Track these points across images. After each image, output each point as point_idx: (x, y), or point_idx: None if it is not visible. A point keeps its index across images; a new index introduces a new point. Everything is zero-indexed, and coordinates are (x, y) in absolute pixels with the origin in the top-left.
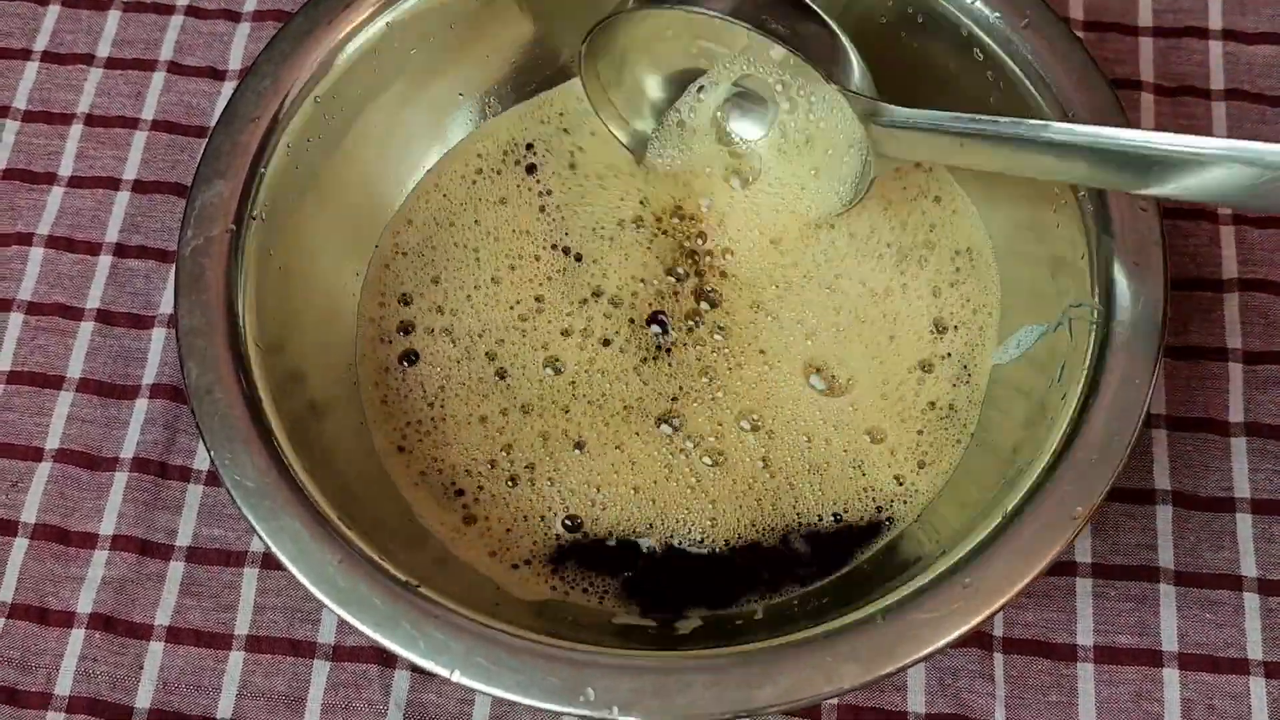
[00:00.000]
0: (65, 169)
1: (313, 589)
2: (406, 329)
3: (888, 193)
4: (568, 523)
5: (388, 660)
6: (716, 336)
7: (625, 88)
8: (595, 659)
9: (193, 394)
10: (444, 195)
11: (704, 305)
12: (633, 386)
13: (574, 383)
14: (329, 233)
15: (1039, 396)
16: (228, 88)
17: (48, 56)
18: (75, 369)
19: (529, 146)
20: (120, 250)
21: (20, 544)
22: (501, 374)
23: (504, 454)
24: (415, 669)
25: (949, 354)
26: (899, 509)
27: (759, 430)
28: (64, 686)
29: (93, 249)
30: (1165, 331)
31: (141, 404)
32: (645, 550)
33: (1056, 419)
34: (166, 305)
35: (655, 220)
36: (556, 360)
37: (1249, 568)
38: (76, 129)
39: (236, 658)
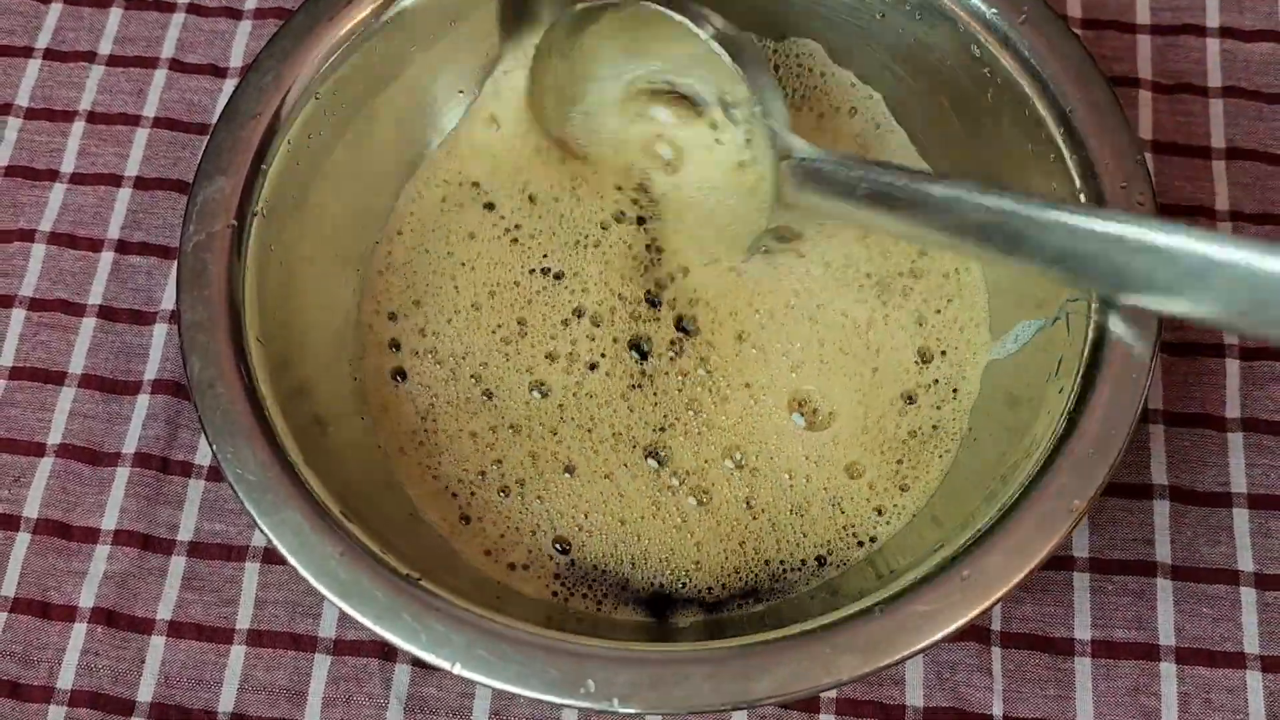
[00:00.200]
0: (67, 166)
1: (314, 581)
2: (395, 345)
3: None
4: (558, 545)
5: (389, 654)
6: (700, 371)
7: (566, 83)
8: (595, 651)
9: (195, 389)
10: (419, 220)
11: (680, 334)
12: (620, 413)
13: (562, 405)
14: (330, 230)
15: (1036, 391)
16: (229, 85)
17: (50, 54)
18: (77, 365)
19: (475, 185)
20: (122, 246)
21: (22, 539)
22: (489, 394)
23: (495, 467)
24: (416, 663)
25: (936, 380)
26: (881, 530)
27: (743, 468)
28: (66, 680)
29: (95, 245)
30: (1162, 326)
31: (143, 399)
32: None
33: (1054, 413)
34: (168, 301)
35: (616, 220)
36: (543, 384)
37: (1246, 562)
38: (78, 126)
39: (238, 652)
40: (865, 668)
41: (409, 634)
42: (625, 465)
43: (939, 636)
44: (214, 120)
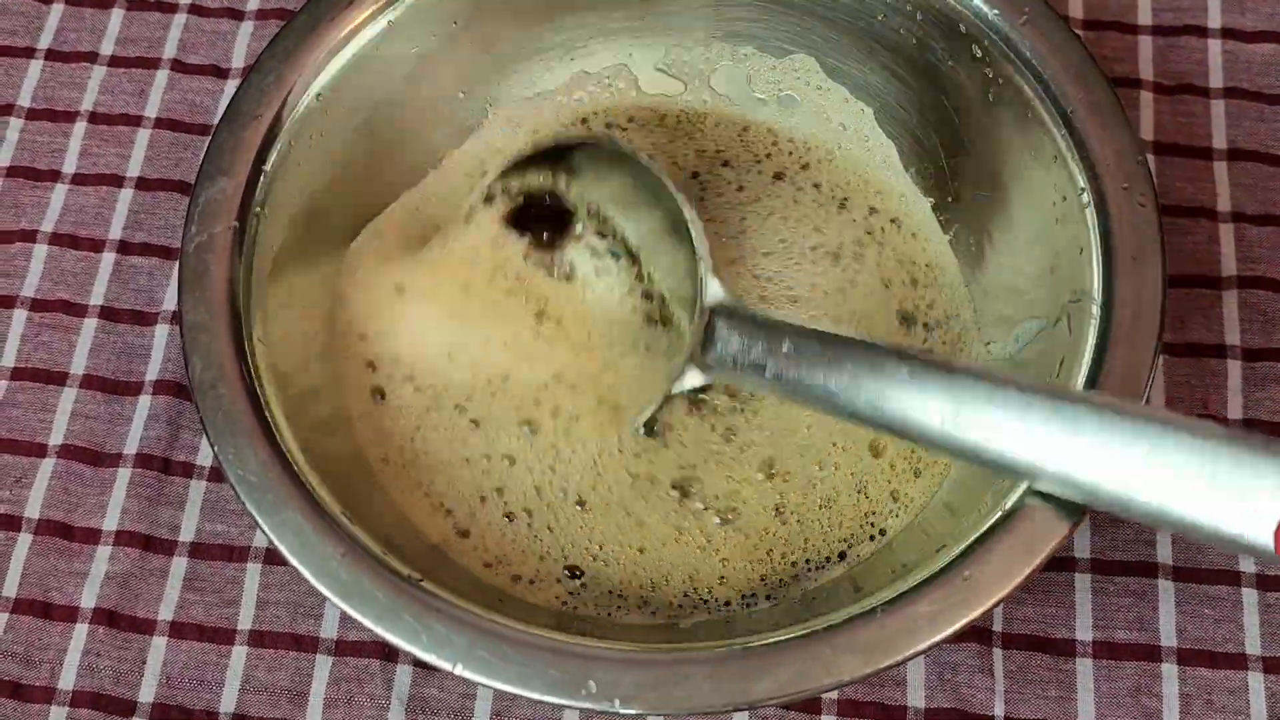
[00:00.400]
0: (69, 166)
1: (315, 582)
2: (372, 366)
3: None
4: (568, 571)
5: (390, 655)
6: (717, 432)
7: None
8: (597, 652)
9: (196, 389)
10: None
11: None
12: (630, 463)
13: (556, 447)
14: (330, 230)
15: None
16: (231, 85)
17: (51, 54)
18: (79, 365)
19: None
20: (124, 247)
21: (24, 539)
22: (476, 424)
23: (496, 494)
24: (418, 663)
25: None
26: (891, 523)
27: (774, 476)
28: (67, 681)
29: (96, 246)
30: (1164, 327)
31: (145, 400)
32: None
33: None
34: (169, 302)
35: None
36: (530, 421)
37: (1247, 563)
38: (80, 126)
39: (239, 652)
40: (866, 669)
41: (410, 635)
42: (644, 499)
43: (940, 637)
44: (216, 121)
